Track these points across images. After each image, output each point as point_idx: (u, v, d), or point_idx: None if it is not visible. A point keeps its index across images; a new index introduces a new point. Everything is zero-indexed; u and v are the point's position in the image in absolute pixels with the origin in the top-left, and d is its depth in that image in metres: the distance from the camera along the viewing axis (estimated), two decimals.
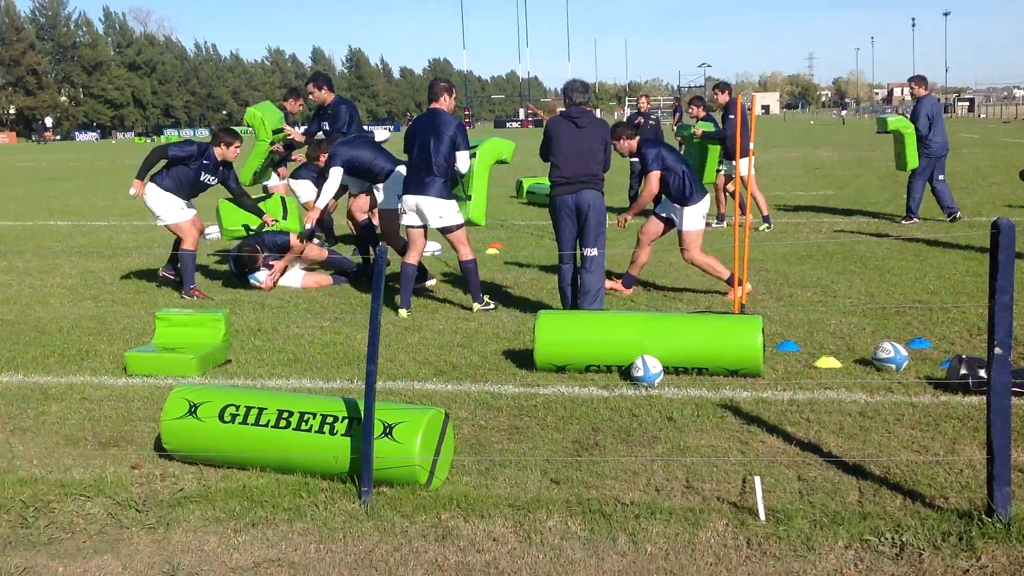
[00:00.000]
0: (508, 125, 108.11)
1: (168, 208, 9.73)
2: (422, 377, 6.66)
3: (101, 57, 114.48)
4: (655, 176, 8.90)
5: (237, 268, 10.12)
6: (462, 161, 8.48)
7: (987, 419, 4.12)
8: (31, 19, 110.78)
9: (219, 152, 9.82)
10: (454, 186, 8.65)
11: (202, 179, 9.83)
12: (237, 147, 9.96)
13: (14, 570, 3.96)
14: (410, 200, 8.50)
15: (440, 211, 8.44)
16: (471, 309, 8.65)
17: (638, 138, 9.33)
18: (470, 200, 8.70)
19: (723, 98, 14.28)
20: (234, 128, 10.54)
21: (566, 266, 8.12)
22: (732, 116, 13.48)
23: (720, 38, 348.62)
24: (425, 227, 8.60)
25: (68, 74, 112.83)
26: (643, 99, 17.53)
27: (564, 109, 8.20)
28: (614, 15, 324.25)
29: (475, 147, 8.74)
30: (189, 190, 9.82)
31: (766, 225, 13.74)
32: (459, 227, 8.57)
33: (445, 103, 8.58)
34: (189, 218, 9.83)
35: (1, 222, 17.34)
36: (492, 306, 8.72)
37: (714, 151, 13.78)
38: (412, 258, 8.66)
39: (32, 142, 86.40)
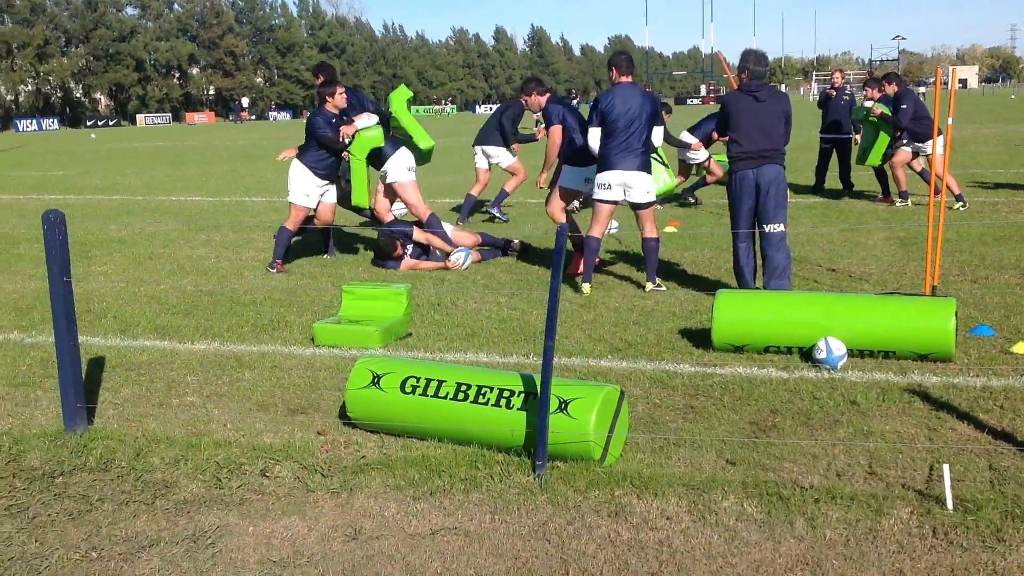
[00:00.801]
0: (688, 102, 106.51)
1: (298, 185, 10.20)
2: (597, 354, 6.68)
3: (294, 39, 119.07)
4: (557, 130, 9.43)
5: (378, 256, 10.33)
6: (658, 136, 8.55)
7: None
8: (231, 3, 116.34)
9: (331, 106, 10.17)
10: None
11: (338, 144, 10.09)
12: (341, 92, 10.20)
13: (208, 528, 4.21)
14: (617, 176, 8.40)
15: (648, 186, 8.47)
16: (644, 288, 8.58)
17: (548, 95, 9.95)
18: (667, 167, 8.83)
19: (891, 88, 13.74)
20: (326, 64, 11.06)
21: (744, 244, 7.95)
22: (904, 107, 13.27)
23: (915, 10, 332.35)
24: (616, 203, 8.56)
25: (263, 56, 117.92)
26: (837, 73, 16.81)
27: (742, 82, 8.02)
28: None
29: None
30: (328, 164, 10.22)
31: (960, 204, 13.08)
32: (654, 204, 8.61)
33: (634, 77, 8.62)
34: (305, 205, 10.27)
35: (201, 198, 18.35)
36: (664, 288, 8.61)
37: (884, 136, 13.48)
38: (597, 231, 8.64)
39: (229, 121, 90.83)
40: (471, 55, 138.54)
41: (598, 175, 8.53)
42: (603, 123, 8.46)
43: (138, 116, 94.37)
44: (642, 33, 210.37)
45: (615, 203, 8.58)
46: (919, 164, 14.02)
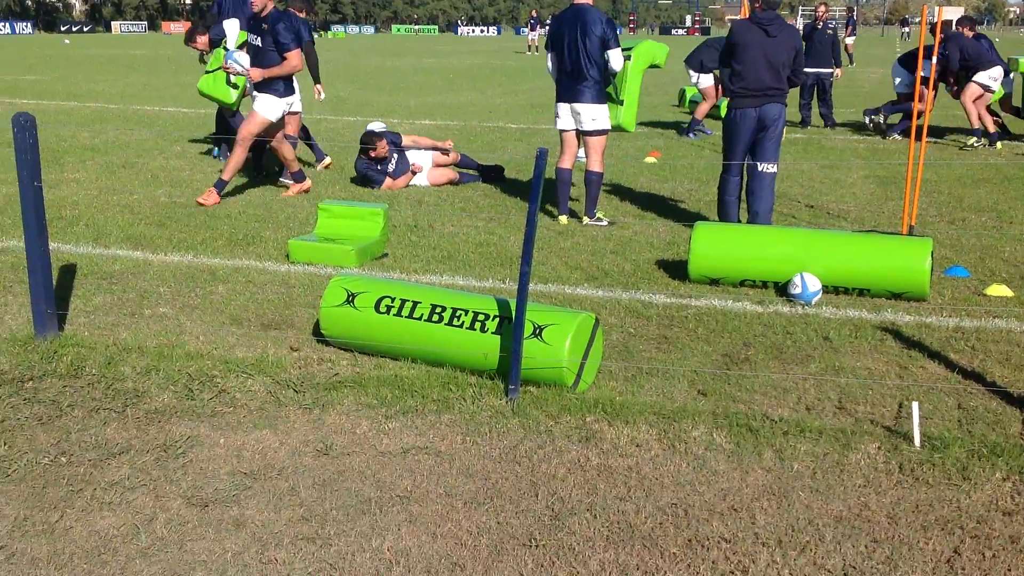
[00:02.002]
0: (674, 32, 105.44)
1: None
2: (573, 282, 6.67)
3: None
4: (296, 53, 8.97)
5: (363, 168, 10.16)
6: (615, 60, 8.03)
7: None
8: None
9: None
10: (606, 86, 8.27)
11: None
12: None
13: (179, 438, 4.19)
14: (563, 106, 8.26)
15: (594, 114, 8.13)
16: (592, 219, 8.38)
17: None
18: (622, 105, 8.34)
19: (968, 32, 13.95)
20: None
21: (735, 179, 7.73)
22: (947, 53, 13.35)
23: None
24: (578, 130, 8.36)
25: None
26: (821, 7, 16.71)
27: (754, 12, 7.63)
28: None
29: (629, 49, 8.32)
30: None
31: (975, 139, 13.35)
32: (604, 133, 8.26)
33: None
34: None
35: (176, 109, 18.05)
36: (605, 223, 8.37)
37: None
38: (566, 162, 8.52)
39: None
40: None
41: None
42: (551, 48, 8.26)
43: (113, 23, 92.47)
44: None
45: (571, 130, 8.33)
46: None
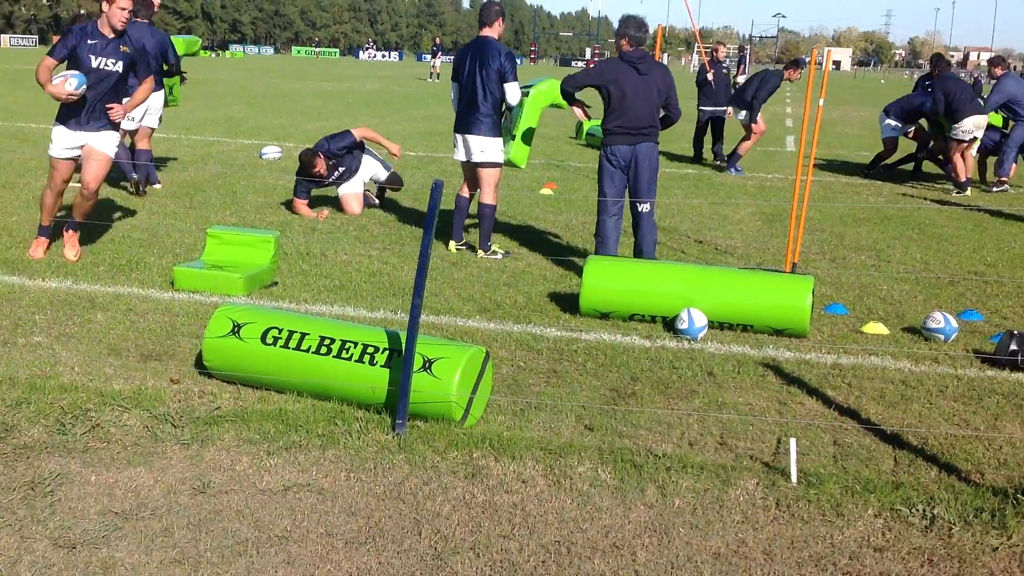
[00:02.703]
0: (574, 64, 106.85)
1: None
2: (465, 314, 6.66)
3: None
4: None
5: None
6: (511, 93, 8.06)
7: None
8: None
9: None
10: (502, 120, 8.28)
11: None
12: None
13: (47, 475, 4.04)
14: (457, 137, 8.33)
15: (481, 146, 8.16)
16: (486, 252, 8.38)
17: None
18: (513, 140, 8.30)
19: (997, 71, 14.16)
20: None
21: (612, 218, 7.64)
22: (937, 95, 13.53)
23: None
24: (466, 162, 8.37)
25: None
26: (720, 48, 17.17)
27: (623, 51, 7.58)
28: None
29: (530, 86, 8.38)
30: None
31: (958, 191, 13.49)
32: (496, 166, 8.27)
33: (497, 29, 8.18)
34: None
35: None
36: (499, 255, 8.37)
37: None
38: (465, 191, 8.55)
39: None
40: None
41: None
42: (453, 78, 8.35)
43: (2, 36, 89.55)
44: None
45: (466, 161, 8.36)
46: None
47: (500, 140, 8.24)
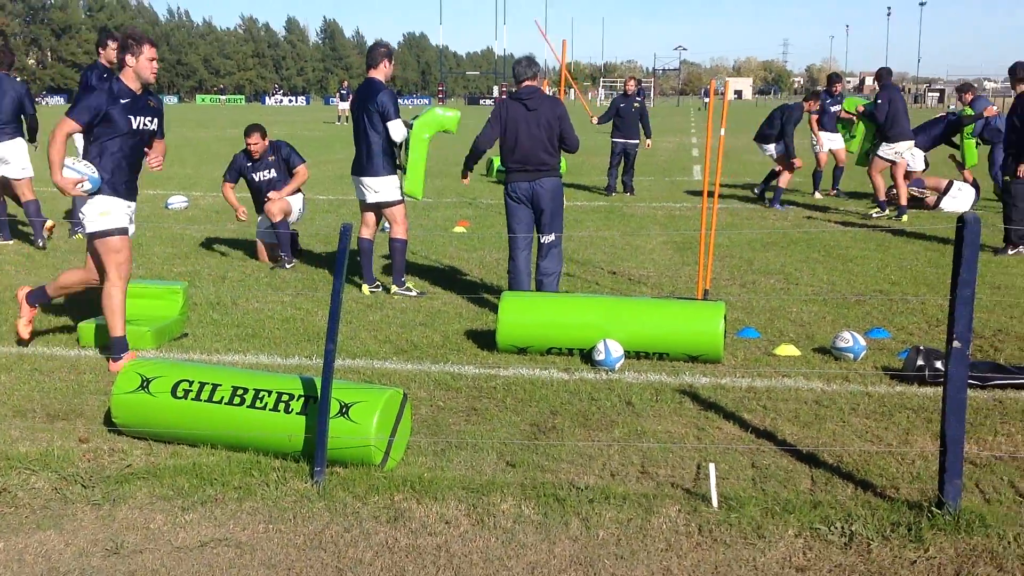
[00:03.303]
0: (482, 102, 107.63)
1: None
2: (382, 356, 6.61)
3: (71, 20, 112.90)
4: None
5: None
6: (394, 131, 8.11)
7: (942, 412, 4.13)
8: None
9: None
10: (393, 157, 8.30)
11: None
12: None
13: None
14: (353, 179, 8.41)
15: (374, 187, 8.24)
16: (400, 288, 8.42)
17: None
18: (406, 173, 8.32)
19: (967, 97, 14.57)
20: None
21: (523, 253, 7.69)
22: (880, 101, 13.36)
23: (697, 22, 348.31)
24: (364, 202, 8.40)
25: (36, 36, 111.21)
26: (630, 82, 17.54)
27: (512, 90, 7.72)
28: None
29: (415, 118, 8.40)
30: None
31: (877, 210, 13.71)
32: (397, 203, 8.34)
33: (383, 71, 8.23)
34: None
35: None
36: (414, 293, 8.41)
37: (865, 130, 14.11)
38: (365, 232, 8.53)
39: None
40: (261, 45, 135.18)
41: None
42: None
43: None
44: (436, 31, 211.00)
45: (364, 203, 8.42)
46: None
47: (393, 178, 8.29)
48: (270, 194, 9.67)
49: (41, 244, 10.47)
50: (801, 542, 3.94)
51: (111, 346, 6.18)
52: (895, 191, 13.53)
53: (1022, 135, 10.12)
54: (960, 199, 14.22)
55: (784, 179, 14.90)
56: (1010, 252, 10.37)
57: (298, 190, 9.98)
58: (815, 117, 15.89)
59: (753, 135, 15.37)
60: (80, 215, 6.17)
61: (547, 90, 8.02)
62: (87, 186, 6.04)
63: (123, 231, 6.18)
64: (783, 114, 14.86)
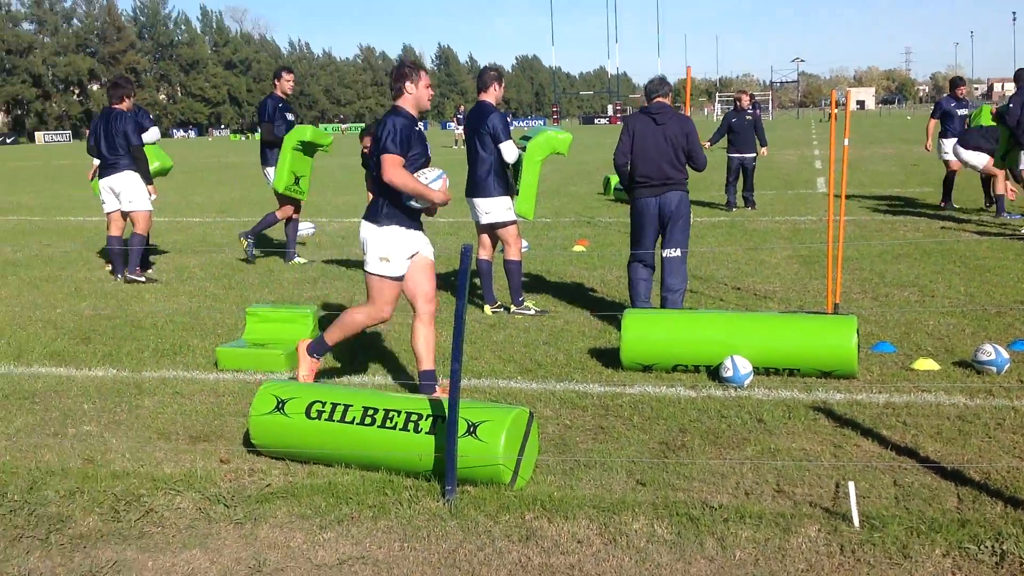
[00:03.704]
0: (596, 121, 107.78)
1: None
2: (507, 375, 6.64)
3: (199, 56, 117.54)
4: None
5: None
6: (507, 152, 8.19)
7: None
8: (132, 18, 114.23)
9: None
10: (505, 179, 8.37)
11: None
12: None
13: (104, 563, 4.03)
14: (468, 200, 8.49)
15: (486, 208, 8.33)
16: (518, 307, 8.47)
17: None
18: (518, 194, 8.42)
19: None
20: None
21: (646, 269, 7.77)
22: (1012, 105, 12.77)
23: (814, 32, 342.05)
24: (481, 224, 8.49)
25: (166, 72, 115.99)
26: (745, 97, 17.36)
27: (643, 105, 7.92)
28: (705, 9, 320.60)
29: (526, 140, 8.49)
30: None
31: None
32: (510, 223, 8.39)
33: (493, 94, 8.35)
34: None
35: (101, 219, 17.78)
36: (532, 311, 8.45)
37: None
38: (483, 254, 8.62)
39: None
40: (379, 73, 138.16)
41: None
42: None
43: (36, 133, 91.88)
44: (549, 53, 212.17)
45: (479, 224, 8.51)
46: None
47: (505, 199, 8.34)
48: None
49: (120, 278, 10.64)
50: (949, 562, 3.79)
51: (316, 343, 6.14)
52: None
53: None
54: None
55: (999, 185, 14.15)
56: None
57: None
58: (934, 121, 15.39)
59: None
60: (366, 254, 5.93)
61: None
62: (444, 182, 5.96)
63: (402, 271, 5.97)
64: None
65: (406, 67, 6.05)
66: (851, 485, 4.21)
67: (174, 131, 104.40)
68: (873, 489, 4.53)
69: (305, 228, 14.62)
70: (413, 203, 5.82)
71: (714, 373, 6.36)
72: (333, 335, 6.10)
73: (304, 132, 11.48)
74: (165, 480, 4.79)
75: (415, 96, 6.03)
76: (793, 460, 4.91)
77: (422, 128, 6.09)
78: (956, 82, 15.78)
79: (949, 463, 4.79)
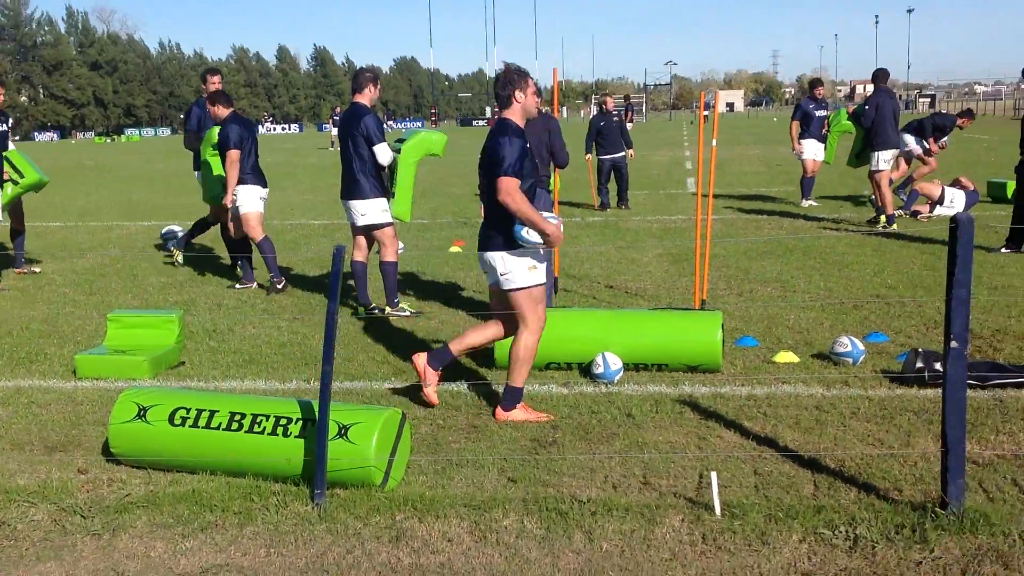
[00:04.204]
0: (475, 123, 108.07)
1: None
2: (381, 376, 6.59)
3: (62, 56, 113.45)
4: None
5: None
6: (380, 154, 8.13)
7: (942, 413, 4.12)
8: None
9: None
10: (380, 181, 8.29)
11: None
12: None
13: None
14: (343, 202, 8.42)
15: (361, 209, 8.25)
16: (393, 308, 8.42)
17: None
18: (394, 197, 8.29)
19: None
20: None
21: None
22: (867, 107, 13.14)
23: (686, 36, 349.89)
24: (364, 226, 8.39)
25: (28, 74, 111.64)
26: (608, 99, 17.70)
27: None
28: (581, 12, 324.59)
29: (401, 142, 8.38)
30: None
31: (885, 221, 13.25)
32: (386, 225, 8.33)
33: (368, 95, 8.27)
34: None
35: None
36: (407, 313, 8.43)
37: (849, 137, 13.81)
38: (357, 255, 8.54)
39: None
40: (253, 74, 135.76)
41: None
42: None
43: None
44: (427, 54, 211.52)
45: (354, 226, 8.42)
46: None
47: (381, 200, 8.27)
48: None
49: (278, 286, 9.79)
50: (806, 547, 3.92)
51: (509, 393, 5.70)
52: (880, 201, 13.19)
53: None
54: (955, 209, 14.19)
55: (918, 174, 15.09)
56: (1003, 251, 10.40)
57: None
58: (796, 123, 15.90)
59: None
60: (507, 275, 5.62)
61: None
62: (560, 223, 5.63)
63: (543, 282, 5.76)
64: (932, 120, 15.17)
65: (514, 73, 5.61)
66: (713, 475, 4.32)
67: (36, 134, 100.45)
68: (734, 478, 4.65)
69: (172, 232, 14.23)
70: (525, 235, 5.44)
71: (586, 370, 6.44)
72: (521, 375, 5.65)
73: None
74: (18, 492, 4.60)
75: (524, 105, 5.63)
76: (659, 453, 5.01)
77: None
78: (814, 84, 16.33)
79: (806, 452, 4.96)
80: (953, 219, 4.05)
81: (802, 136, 15.86)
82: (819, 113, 15.74)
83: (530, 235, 5.44)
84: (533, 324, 5.66)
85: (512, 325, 5.79)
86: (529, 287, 5.59)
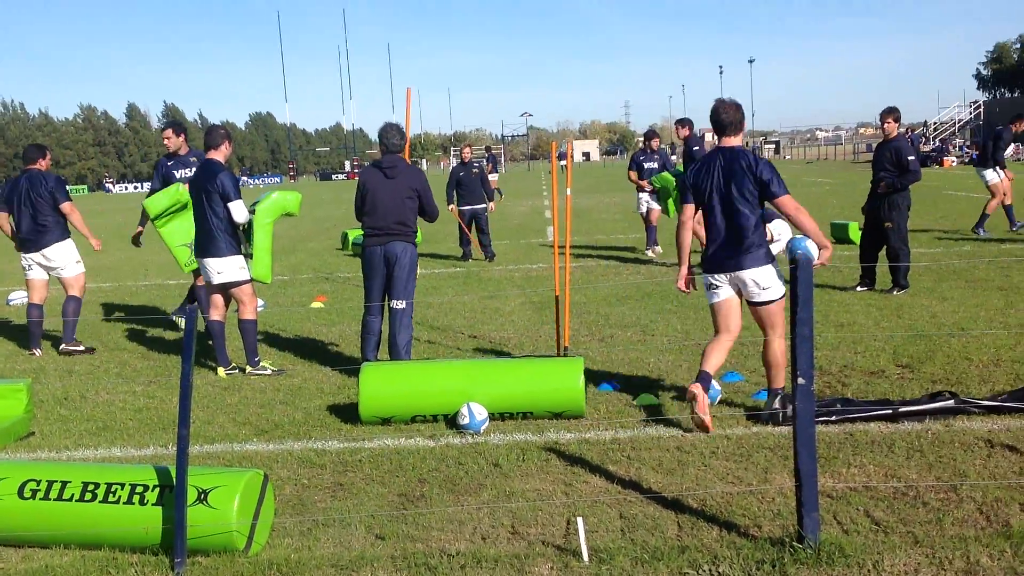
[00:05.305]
0: (334, 177, 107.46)
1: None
2: (242, 438, 6.45)
3: None
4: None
5: None
6: (236, 212, 8.03)
7: (793, 448, 4.27)
8: None
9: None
10: (236, 239, 8.19)
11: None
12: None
13: None
14: (197, 260, 8.30)
15: (218, 268, 8.11)
16: (255, 367, 8.29)
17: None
18: (252, 258, 8.23)
19: (684, 132, 14.55)
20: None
21: (373, 318, 7.93)
22: (697, 148, 13.51)
23: (542, 88, 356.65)
24: (220, 284, 8.23)
25: None
26: (466, 150, 17.89)
27: (374, 160, 8.05)
28: (436, 66, 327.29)
29: (256, 204, 8.33)
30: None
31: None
32: (243, 283, 8.20)
33: (223, 152, 8.21)
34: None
35: None
36: (269, 371, 8.29)
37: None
38: (214, 314, 8.36)
39: None
40: (101, 133, 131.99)
41: None
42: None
43: None
44: (283, 109, 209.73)
45: (210, 284, 8.27)
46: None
47: (238, 258, 8.16)
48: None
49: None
50: None
51: (772, 395, 6.31)
52: None
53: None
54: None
55: (993, 205, 16.22)
56: (858, 289, 10.98)
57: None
58: (632, 173, 16.09)
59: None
60: (767, 289, 6.30)
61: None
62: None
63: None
64: (993, 140, 16.20)
65: (732, 105, 6.40)
66: (580, 521, 4.37)
67: None
68: (601, 523, 4.71)
69: (19, 297, 13.66)
70: (807, 246, 6.12)
71: (452, 421, 6.44)
72: (779, 377, 6.28)
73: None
74: None
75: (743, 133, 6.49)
76: (527, 501, 5.04)
77: None
78: (649, 135, 16.34)
79: (670, 493, 5.06)
80: (792, 260, 4.24)
81: (639, 190, 16.11)
82: (648, 165, 15.86)
83: (811, 247, 6.38)
84: (781, 329, 6.30)
85: None
86: (783, 296, 6.26)
